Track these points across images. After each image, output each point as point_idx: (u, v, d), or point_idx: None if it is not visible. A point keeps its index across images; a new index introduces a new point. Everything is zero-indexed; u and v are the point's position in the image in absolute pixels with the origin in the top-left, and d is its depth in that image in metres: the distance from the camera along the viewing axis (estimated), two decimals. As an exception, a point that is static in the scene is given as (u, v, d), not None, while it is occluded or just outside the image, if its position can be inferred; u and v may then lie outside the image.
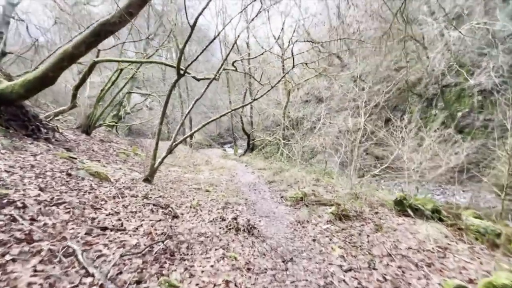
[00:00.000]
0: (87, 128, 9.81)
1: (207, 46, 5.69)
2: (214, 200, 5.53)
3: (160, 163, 6.45)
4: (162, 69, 26.19)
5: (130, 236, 2.99)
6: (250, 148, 15.96)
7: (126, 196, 4.38)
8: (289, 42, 9.73)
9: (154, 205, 4.32)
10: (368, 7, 20.81)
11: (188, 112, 6.37)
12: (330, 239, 3.50)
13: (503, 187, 7.21)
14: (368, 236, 3.60)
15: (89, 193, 3.92)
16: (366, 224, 4.02)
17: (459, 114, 14.15)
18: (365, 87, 9.09)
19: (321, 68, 13.12)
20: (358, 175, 7.67)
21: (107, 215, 3.39)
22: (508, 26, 10.66)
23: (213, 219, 4.27)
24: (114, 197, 4.11)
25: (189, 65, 5.63)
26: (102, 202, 3.74)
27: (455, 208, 5.60)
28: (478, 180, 10.59)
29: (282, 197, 5.83)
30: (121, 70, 10.13)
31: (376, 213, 4.44)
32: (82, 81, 7.54)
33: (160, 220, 3.74)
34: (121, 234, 2.98)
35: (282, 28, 7.96)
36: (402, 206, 4.39)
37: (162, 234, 3.28)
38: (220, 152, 17.78)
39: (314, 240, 3.49)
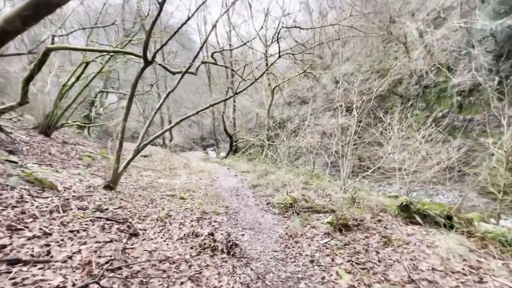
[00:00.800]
0: (46, 129, 8.50)
1: (178, 29, 4.81)
2: (188, 209, 4.61)
3: (125, 166, 5.44)
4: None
5: (55, 271, 2.05)
6: (233, 150, 15.08)
7: (71, 209, 3.38)
8: (272, 38, 9.02)
9: (108, 219, 3.35)
10: (349, 8, 20.80)
11: (159, 107, 5.44)
12: (332, 259, 2.73)
13: (494, 186, 6.86)
14: (377, 252, 2.87)
15: (14, 207, 2.89)
16: (371, 236, 3.29)
17: (439, 114, 14.15)
18: (350, 87, 8.58)
19: (305, 67, 12.54)
20: (348, 177, 7.05)
21: (29, 238, 2.40)
22: (488, 25, 10.64)
23: (184, 235, 3.37)
24: (51, 212, 3.10)
25: (156, 51, 4.73)
26: (29, 220, 2.73)
27: (454, 211, 5.05)
28: (461, 180, 10.40)
29: (268, 203, 5.02)
30: (87, 63, 8.94)
31: (379, 221, 3.74)
32: (33, 72, 6.36)
33: (110, 241, 2.79)
34: (40, 269, 2.02)
35: (265, 20, 7.33)
36: (408, 212, 3.73)
37: (108, 262, 2.35)
38: (201, 155, 16.74)
39: (312, 261, 2.70)
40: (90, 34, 8.71)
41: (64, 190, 4.22)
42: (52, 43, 6.44)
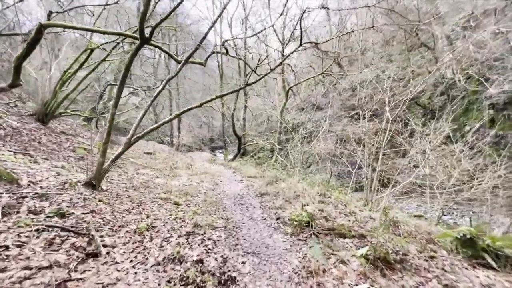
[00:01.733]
0: (43, 116, 7.84)
1: (179, 4, 3.97)
2: (179, 219, 3.68)
3: (114, 161, 4.58)
4: (154, 66, 24.40)
5: None
6: (241, 153, 14.17)
7: (18, 212, 2.51)
8: (290, 35, 8.12)
9: (64, 229, 2.46)
10: (371, 16, 19.80)
11: (157, 94, 4.58)
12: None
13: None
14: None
15: None
16: (426, 283, 2.25)
17: (467, 128, 12.81)
18: (380, 86, 7.53)
19: (321, 69, 11.57)
20: (370, 191, 5.98)
21: None
22: (535, 31, 9.38)
23: (165, 259, 2.43)
24: (-17, 215, 2.24)
25: (155, 27, 3.89)
26: None
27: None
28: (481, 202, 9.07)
29: (278, 218, 4.02)
30: (91, 50, 8.29)
31: (432, 257, 2.69)
32: (27, 51, 5.68)
33: (49, 267, 1.89)
34: None
35: (282, 12, 6.48)
36: (473, 249, 2.66)
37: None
38: (208, 156, 15.91)
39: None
40: (98, 17, 8.08)
41: (28, 185, 3.39)
42: (48, 19, 5.75)
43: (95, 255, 2.24)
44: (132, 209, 3.87)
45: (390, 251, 2.66)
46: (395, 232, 3.36)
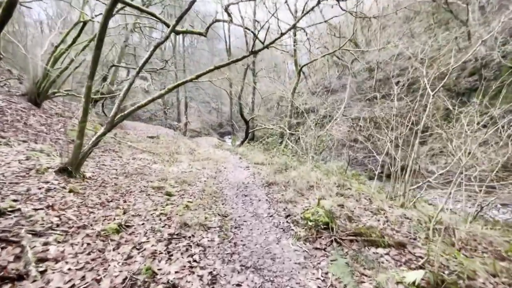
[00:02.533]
0: (35, 97, 7.19)
1: None
2: (164, 216, 2.93)
3: (95, 144, 3.86)
4: (161, 49, 23.42)
5: None
6: (250, 138, 13.32)
7: None
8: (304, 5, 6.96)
9: (-13, 236, 1.73)
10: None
11: (143, 65, 3.74)
12: None
13: None
14: None
15: None
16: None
17: (497, 111, 11.41)
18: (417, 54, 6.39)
19: (335, 49, 10.32)
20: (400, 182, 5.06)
21: None
22: None
23: (124, 281, 1.68)
24: None
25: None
26: None
27: None
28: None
29: (288, 215, 3.21)
30: (84, 23, 7.47)
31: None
32: (3, 19, 4.91)
33: None
34: None
35: None
36: None
37: None
38: (215, 141, 15.18)
39: None
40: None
41: (-24, 171, 2.70)
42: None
43: (16, 279, 1.50)
44: (110, 201, 3.14)
45: (443, 266, 1.80)
46: (444, 240, 2.48)
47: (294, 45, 9.73)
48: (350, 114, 13.27)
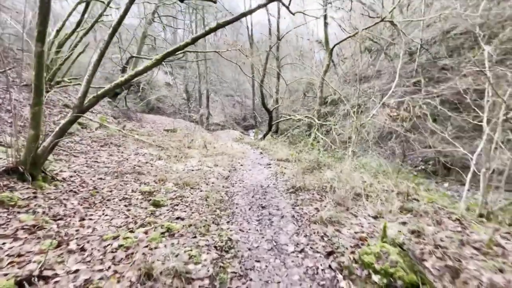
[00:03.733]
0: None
1: None
2: (124, 249, 1.76)
3: (58, 137, 2.83)
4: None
5: None
6: (273, 131, 11.94)
7: None
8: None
9: None
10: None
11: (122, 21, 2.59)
12: None
13: None
14: None
15: None
16: None
17: None
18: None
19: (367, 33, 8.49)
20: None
21: None
22: None
23: None
24: None
25: None
26: None
27: None
28: None
29: (331, 253, 1.89)
30: (87, 3, 6.63)
31: None
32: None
33: None
34: None
35: None
36: None
37: None
38: (236, 134, 14.03)
39: None
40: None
41: None
42: None
43: None
44: (59, 219, 2.07)
45: None
46: None
47: (324, 20, 8.12)
48: (390, 101, 11.27)
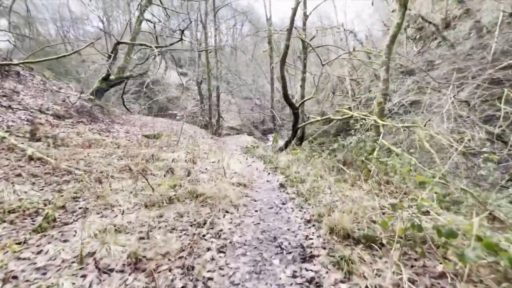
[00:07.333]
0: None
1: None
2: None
3: None
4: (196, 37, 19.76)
5: None
6: (299, 136, 8.04)
7: None
8: None
9: None
10: None
11: None
12: None
13: None
14: None
15: None
16: None
17: None
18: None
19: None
20: None
21: None
22: None
23: None
24: None
25: None
26: None
27: None
28: None
29: None
30: None
31: None
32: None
33: None
34: None
35: None
36: None
37: None
38: (248, 141, 10.36)
39: None
40: None
41: None
42: None
43: None
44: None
45: None
46: None
47: None
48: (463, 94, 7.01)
